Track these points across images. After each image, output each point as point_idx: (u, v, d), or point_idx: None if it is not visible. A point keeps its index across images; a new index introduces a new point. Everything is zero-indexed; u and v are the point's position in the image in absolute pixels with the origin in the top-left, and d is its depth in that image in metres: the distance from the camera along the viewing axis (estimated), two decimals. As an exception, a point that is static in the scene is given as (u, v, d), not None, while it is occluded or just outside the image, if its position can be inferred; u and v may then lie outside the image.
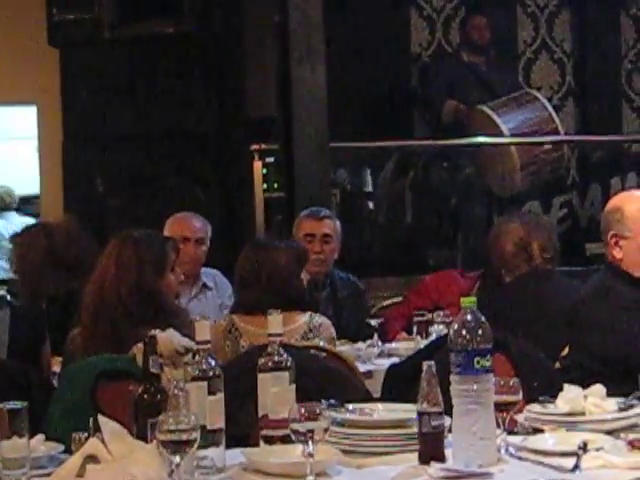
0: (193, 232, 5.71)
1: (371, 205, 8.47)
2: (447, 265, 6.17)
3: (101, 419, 2.88)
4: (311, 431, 2.73)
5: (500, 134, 7.61)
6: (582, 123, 9.14)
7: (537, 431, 3.21)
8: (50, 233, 5.38)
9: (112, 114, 7.91)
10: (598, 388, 3.37)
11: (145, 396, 2.99)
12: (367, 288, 6.10)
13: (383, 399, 3.72)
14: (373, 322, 5.45)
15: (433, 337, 4.74)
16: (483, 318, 2.99)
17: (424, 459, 2.91)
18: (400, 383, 3.88)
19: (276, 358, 3.18)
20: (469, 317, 2.98)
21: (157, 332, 3.54)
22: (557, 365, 4.03)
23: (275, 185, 7.51)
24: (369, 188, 8.50)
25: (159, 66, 7.82)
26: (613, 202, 4.28)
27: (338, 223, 5.90)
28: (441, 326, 4.83)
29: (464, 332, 2.94)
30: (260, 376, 3.18)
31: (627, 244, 4.02)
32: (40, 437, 3.06)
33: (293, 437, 2.78)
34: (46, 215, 8.34)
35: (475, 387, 2.91)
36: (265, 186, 7.50)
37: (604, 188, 8.09)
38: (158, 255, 4.16)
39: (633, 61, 9.34)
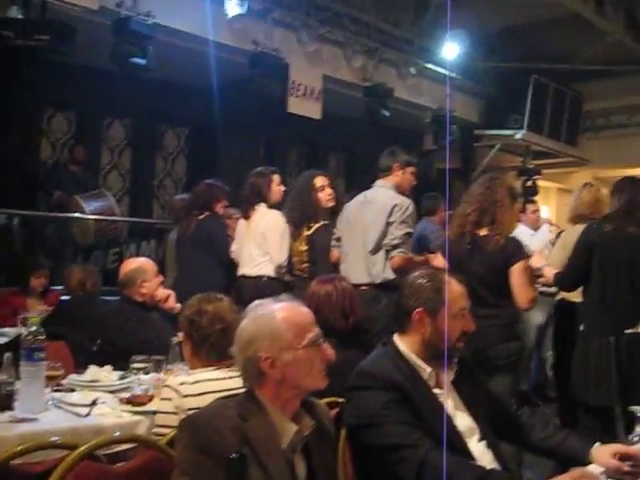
0: None
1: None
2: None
3: None
4: None
5: (84, 212, 7.25)
6: (131, 211, 8.93)
7: (72, 390, 3.03)
8: None
9: None
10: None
11: None
12: None
13: None
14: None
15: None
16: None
17: None
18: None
19: None
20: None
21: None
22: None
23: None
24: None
25: None
26: (129, 263, 4.00)
27: None
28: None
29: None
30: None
31: (149, 284, 3.75)
32: None
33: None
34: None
35: (33, 369, 2.70)
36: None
37: (137, 247, 7.95)
38: None
39: (161, 180, 9.34)
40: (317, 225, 4.72)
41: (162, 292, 3.86)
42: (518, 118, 9.59)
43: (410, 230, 4.47)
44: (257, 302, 1.99)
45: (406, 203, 4.47)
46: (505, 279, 3.65)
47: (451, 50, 8.09)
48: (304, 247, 4.70)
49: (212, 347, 2.55)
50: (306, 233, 4.72)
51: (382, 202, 4.49)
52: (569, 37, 8.62)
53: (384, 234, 4.43)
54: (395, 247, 4.39)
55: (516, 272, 3.65)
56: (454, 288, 2.31)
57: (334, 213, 4.82)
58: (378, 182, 4.66)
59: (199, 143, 9.39)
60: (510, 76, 9.66)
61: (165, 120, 9.29)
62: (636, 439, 2.34)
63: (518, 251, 3.73)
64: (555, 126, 10.10)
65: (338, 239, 4.71)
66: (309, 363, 1.88)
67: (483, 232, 3.79)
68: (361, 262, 4.48)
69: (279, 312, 1.91)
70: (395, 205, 4.43)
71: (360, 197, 4.71)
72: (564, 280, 4.14)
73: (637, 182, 3.99)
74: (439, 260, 3.93)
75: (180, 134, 9.54)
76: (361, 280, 4.42)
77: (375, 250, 4.45)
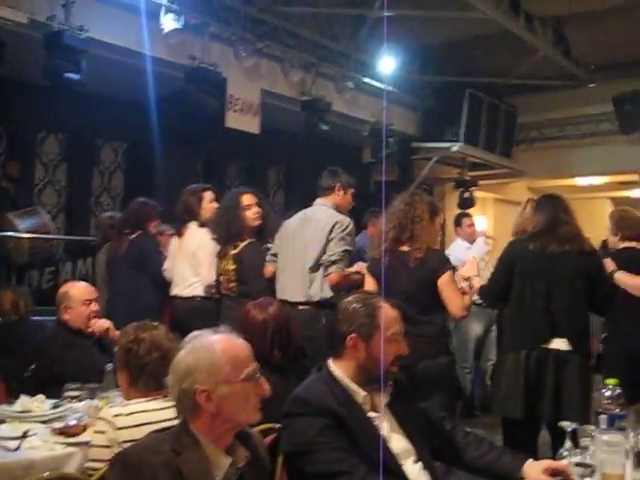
0: None
1: None
2: None
3: None
4: None
5: (18, 230, 7.06)
6: (67, 228, 8.68)
7: (2, 422, 2.90)
8: None
9: None
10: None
11: None
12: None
13: None
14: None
15: None
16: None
17: None
18: None
19: None
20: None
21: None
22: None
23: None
24: None
25: None
26: (63, 286, 3.93)
27: None
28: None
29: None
30: None
31: (73, 311, 3.65)
32: None
33: None
34: None
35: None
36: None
37: (74, 266, 7.73)
38: None
39: (97, 196, 9.16)
40: (243, 244, 4.68)
41: (99, 325, 3.77)
42: (454, 131, 9.76)
43: (349, 248, 4.49)
44: (195, 333, 1.97)
45: (346, 221, 4.50)
46: (431, 293, 3.71)
47: (388, 64, 8.21)
48: (232, 266, 4.66)
49: (150, 376, 2.51)
50: (233, 252, 4.69)
51: (323, 219, 4.51)
52: (502, 52, 8.84)
53: (324, 251, 4.44)
54: (333, 263, 4.39)
55: (443, 284, 3.71)
56: (387, 312, 2.33)
57: (261, 231, 4.81)
58: (318, 200, 4.68)
59: (137, 158, 9.24)
60: (446, 90, 9.84)
61: (101, 135, 9.12)
62: (565, 454, 2.40)
63: (441, 263, 3.78)
64: (490, 139, 10.31)
65: (275, 254, 4.71)
66: (245, 397, 1.87)
67: (404, 248, 3.84)
68: (299, 280, 4.47)
69: (218, 344, 1.90)
70: (336, 222, 4.46)
71: (300, 214, 4.72)
72: (486, 293, 4.20)
73: (557, 199, 4.07)
74: (369, 282, 3.96)
75: (117, 149, 9.38)
76: (299, 298, 4.42)
77: (315, 267, 4.46)
